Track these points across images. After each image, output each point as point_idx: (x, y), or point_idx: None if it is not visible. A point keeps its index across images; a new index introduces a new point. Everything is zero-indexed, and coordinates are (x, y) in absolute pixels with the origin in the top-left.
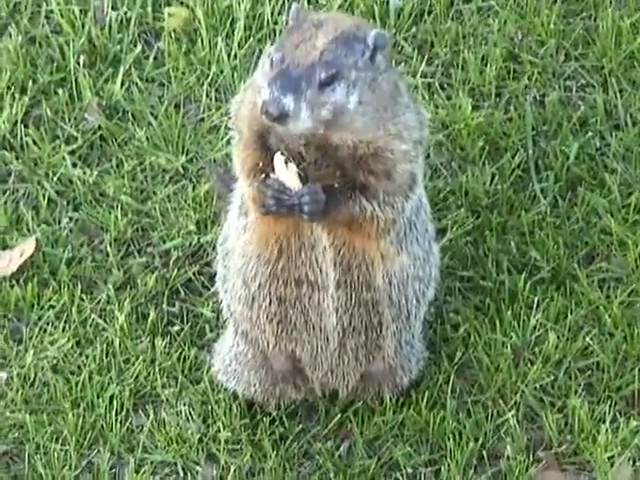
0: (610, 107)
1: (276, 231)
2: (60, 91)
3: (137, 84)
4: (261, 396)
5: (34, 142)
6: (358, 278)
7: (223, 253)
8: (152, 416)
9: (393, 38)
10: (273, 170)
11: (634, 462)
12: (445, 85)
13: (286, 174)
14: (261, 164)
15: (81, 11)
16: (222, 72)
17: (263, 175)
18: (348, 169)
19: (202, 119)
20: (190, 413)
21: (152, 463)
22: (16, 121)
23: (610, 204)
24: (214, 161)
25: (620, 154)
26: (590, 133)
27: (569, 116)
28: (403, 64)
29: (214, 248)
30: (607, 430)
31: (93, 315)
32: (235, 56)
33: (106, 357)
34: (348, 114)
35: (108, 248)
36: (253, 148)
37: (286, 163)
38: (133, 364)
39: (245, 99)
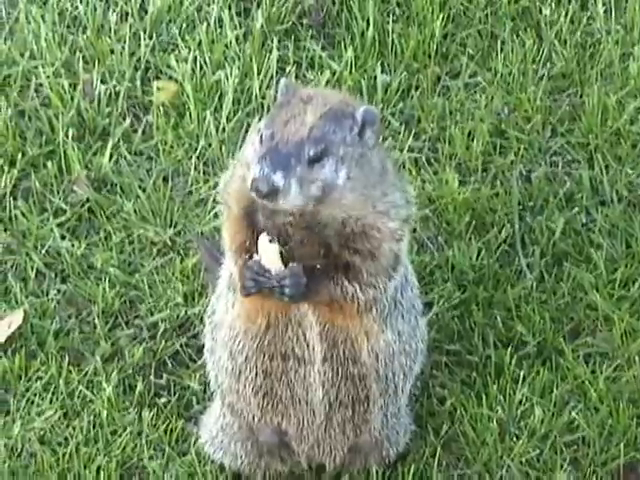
0: (596, 183)
1: (264, 306)
2: (49, 164)
3: (126, 157)
4: (248, 468)
5: (23, 214)
6: (344, 353)
7: (211, 325)
8: None
9: (381, 113)
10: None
11: None
12: (432, 160)
13: (268, 254)
14: (248, 243)
15: (70, 85)
16: (210, 145)
17: (248, 255)
18: (333, 248)
19: (190, 192)
20: None
21: None
22: (5, 193)
23: (596, 279)
24: (202, 234)
25: (606, 230)
26: (576, 209)
27: (555, 192)
28: (390, 139)
29: (201, 320)
30: None
31: (80, 387)
32: (223, 130)
33: (93, 429)
34: (337, 190)
35: (96, 320)
36: (241, 226)
37: (270, 242)
38: (120, 436)
39: (234, 174)
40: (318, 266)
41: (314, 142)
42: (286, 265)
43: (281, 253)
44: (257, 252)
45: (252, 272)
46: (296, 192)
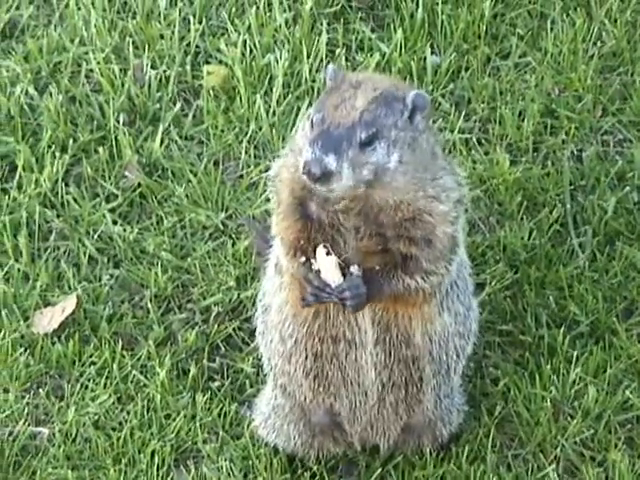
0: None
1: None
2: (100, 149)
3: (176, 142)
4: (301, 449)
5: (75, 200)
6: (397, 336)
7: (262, 308)
8: (193, 471)
9: (431, 95)
10: (313, 249)
11: None
12: (483, 140)
13: (326, 266)
14: (302, 242)
15: (121, 70)
16: (261, 129)
17: (303, 258)
18: (389, 238)
19: (241, 176)
20: (231, 468)
21: None
22: (57, 179)
23: None
24: (253, 217)
25: None
26: (628, 187)
27: (607, 171)
28: (441, 120)
29: (254, 304)
30: None
31: (134, 371)
32: (274, 113)
33: (147, 413)
34: (389, 173)
35: (149, 304)
36: (294, 218)
37: (328, 254)
38: (174, 420)
39: (286, 163)
40: (377, 267)
41: (366, 125)
42: (344, 272)
43: (339, 265)
44: (313, 254)
45: (313, 287)
46: (348, 175)
